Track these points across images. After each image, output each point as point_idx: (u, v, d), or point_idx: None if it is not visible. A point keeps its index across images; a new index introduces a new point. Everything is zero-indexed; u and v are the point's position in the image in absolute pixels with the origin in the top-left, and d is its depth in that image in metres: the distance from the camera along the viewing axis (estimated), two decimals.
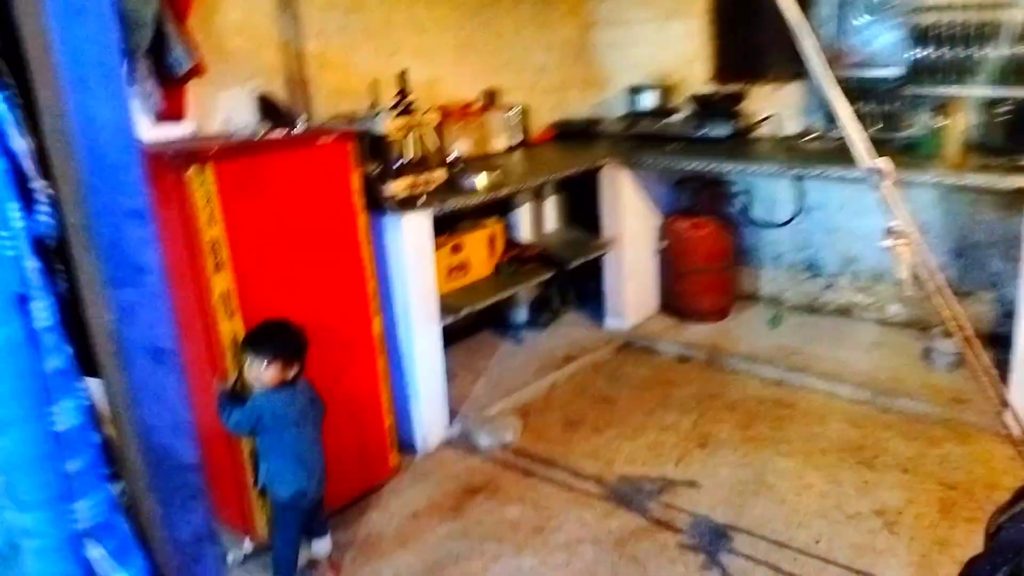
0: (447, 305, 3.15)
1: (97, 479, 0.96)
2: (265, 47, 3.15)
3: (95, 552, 0.96)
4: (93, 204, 0.78)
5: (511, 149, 4.15)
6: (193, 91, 2.84)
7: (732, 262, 4.14)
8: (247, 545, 2.55)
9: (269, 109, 2.99)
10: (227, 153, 2.34)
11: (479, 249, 3.49)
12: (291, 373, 2.25)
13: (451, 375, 3.61)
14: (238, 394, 2.28)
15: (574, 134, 4.37)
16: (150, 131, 2.76)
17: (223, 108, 2.99)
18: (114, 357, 0.87)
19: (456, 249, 3.37)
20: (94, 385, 0.97)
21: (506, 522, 2.69)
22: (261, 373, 2.20)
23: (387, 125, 2.83)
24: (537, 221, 4.11)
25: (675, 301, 4.17)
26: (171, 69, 2.68)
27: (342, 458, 2.67)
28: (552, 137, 4.40)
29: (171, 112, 2.77)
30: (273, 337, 2.25)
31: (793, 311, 4.19)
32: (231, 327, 2.36)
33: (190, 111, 2.84)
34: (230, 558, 2.54)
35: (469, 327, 4.03)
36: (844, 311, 4.09)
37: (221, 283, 2.33)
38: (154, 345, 0.89)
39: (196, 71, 2.74)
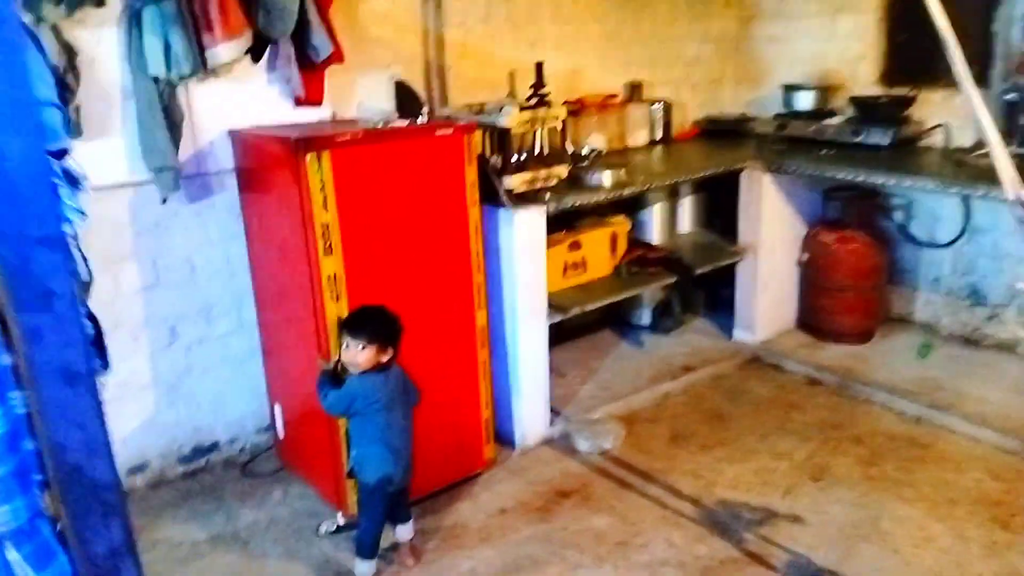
0: (558, 303, 3.10)
1: (20, 486, 1.00)
2: (406, 35, 3.21)
3: (12, 555, 1.00)
4: (2, 231, 0.80)
5: (651, 145, 4.01)
6: (333, 77, 2.94)
7: (881, 281, 3.80)
8: (339, 518, 2.64)
9: (404, 96, 3.05)
10: (345, 141, 2.40)
11: (599, 248, 3.40)
12: (385, 358, 2.30)
13: (560, 373, 3.58)
14: (337, 376, 2.36)
15: (720, 132, 4.16)
16: (288, 115, 2.90)
17: (360, 93, 3.08)
18: (26, 377, 0.90)
19: (575, 246, 3.31)
20: None
21: (592, 531, 2.63)
22: (356, 355, 2.26)
23: (510, 119, 2.80)
24: (670, 222, 3.96)
25: (812, 318, 3.89)
26: (312, 55, 2.79)
27: (436, 446, 2.71)
28: (696, 135, 4.22)
29: (310, 97, 2.89)
30: (370, 321, 2.30)
31: (946, 341, 3.79)
32: (336, 309, 2.44)
33: (328, 96, 2.95)
34: (322, 528, 2.65)
35: (589, 324, 3.97)
36: (1006, 347, 3.65)
37: (330, 266, 2.41)
38: (66, 367, 0.92)
39: (336, 58, 2.83)
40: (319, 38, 2.76)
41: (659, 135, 4.02)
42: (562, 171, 3.00)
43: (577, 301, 3.19)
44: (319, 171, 2.33)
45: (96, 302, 2.69)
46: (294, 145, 2.33)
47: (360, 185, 2.42)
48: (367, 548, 2.40)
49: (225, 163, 2.84)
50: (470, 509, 2.76)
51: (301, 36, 2.75)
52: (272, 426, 3.08)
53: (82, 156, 2.57)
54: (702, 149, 4.01)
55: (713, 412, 3.37)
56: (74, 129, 2.45)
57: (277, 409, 2.99)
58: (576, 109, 3.56)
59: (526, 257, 2.89)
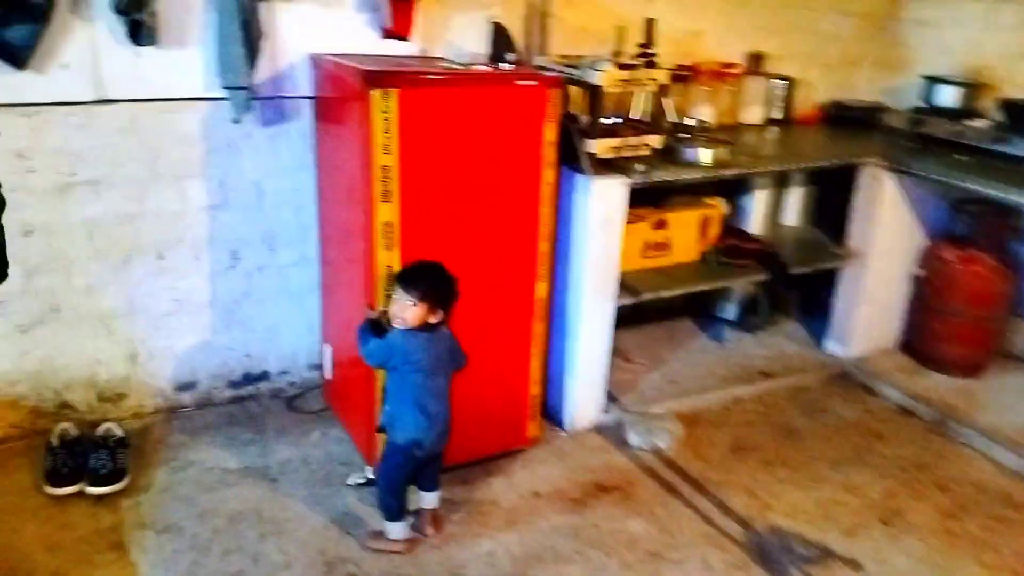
0: (630, 284, 2.87)
1: None
2: None
3: None
4: None
5: (766, 125, 3.67)
6: (426, 11, 2.77)
7: (1002, 311, 3.37)
8: (368, 472, 2.55)
9: (499, 40, 2.84)
10: (417, 80, 2.23)
11: (687, 230, 3.13)
12: (434, 319, 2.15)
13: (626, 357, 3.37)
14: (382, 327, 2.24)
15: (847, 120, 3.76)
16: (373, 46, 2.75)
17: (453, 32, 2.90)
18: None
19: (659, 225, 3.05)
20: None
21: (625, 535, 2.44)
22: (405, 310, 2.12)
23: (604, 77, 2.56)
24: (773, 212, 3.62)
25: (917, 340, 3.50)
26: None
27: (478, 416, 2.57)
28: (819, 119, 3.83)
29: (397, 29, 2.72)
30: (425, 278, 2.16)
31: None
32: (387, 258, 2.30)
33: (418, 31, 2.78)
34: (351, 479, 2.57)
35: (669, 310, 3.71)
36: None
37: (385, 213, 2.26)
38: None
39: None
40: None
41: (777, 115, 3.67)
42: (655, 140, 2.73)
43: (652, 286, 2.95)
44: (385, 109, 2.17)
45: (162, 214, 2.69)
46: (363, 78, 2.18)
47: (428, 130, 2.25)
48: (391, 511, 2.29)
49: (303, 88, 2.72)
50: (503, 487, 2.62)
51: None
52: (322, 364, 3.02)
53: (157, 65, 2.57)
54: (823, 136, 3.64)
55: (785, 427, 3.08)
56: (149, 35, 2.38)
57: (327, 350, 2.91)
58: (686, 75, 3.26)
59: (600, 231, 2.67)
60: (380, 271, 2.31)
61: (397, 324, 2.15)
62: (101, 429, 2.61)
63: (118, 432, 2.61)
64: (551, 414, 2.95)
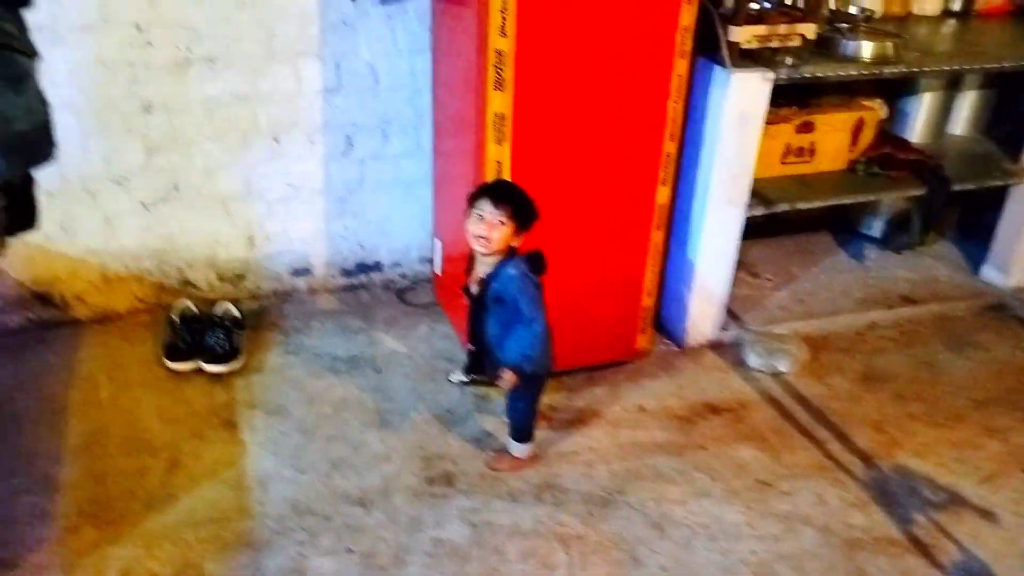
0: (765, 193, 2.62)
1: None
2: None
3: None
4: None
5: (942, 17, 3.19)
6: None
7: None
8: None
9: None
10: None
11: (836, 135, 2.80)
12: (516, 243, 1.99)
13: (752, 272, 3.14)
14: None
15: None
16: None
17: None
18: None
19: (804, 128, 2.74)
20: None
21: (732, 460, 2.31)
22: (493, 229, 1.93)
23: None
24: (939, 119, 3.19)
25: None
26: None
27: (584, 322, 2.45)
28: (1008, 12, 3.30)
29: None
30: (516, 194, 1.98)
31: None
32: (497, 153, 2.16)
33: None
34: (454, 376, 2.55)
35: (805, 222, 3.41)
36: None
37: (497, 103, 2.10)
38: None
39: None
40: None
41: (957, 5, 3.18)
42: (809, 30, 2.40)
43: (790, 195, 2.68)
44: None
45: (278, 95, 2.64)
46: None
47: (549, 11, 2.04)
48: (528, 433, 2.22)
49: None
50: (607, 397, 2.52)
51: None
52: (432, 259, 2.97)
53: None
54: (1010, 32, 3.13)
55: (924, 358, 2.81)
56: None
57: (437, 244, 2.85)
58: None
59: (736, 131, 2.41)
60: (489, 166, 2.18)
61: (479, 246, 1.97)
62: (219, 308, 2.68)
63: (235, 312, 2.67)
64: (664, 327, 2.80)
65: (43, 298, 2.64)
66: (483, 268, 2.03)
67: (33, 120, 1.23)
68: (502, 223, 1.93)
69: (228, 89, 2.54)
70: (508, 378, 2.07)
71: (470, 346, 2.19)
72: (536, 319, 2.00)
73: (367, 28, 2.60)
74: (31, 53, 1.26)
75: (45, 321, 2.67)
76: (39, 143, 1.27)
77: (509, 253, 2.00)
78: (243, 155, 2.65)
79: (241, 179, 2.69)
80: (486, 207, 1.94)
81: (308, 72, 2.61)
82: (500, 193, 1.96)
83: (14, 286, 2.59)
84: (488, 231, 1.94)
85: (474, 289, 2.07)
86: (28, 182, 1.41)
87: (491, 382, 2.46)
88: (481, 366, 2.20)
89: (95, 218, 2.58)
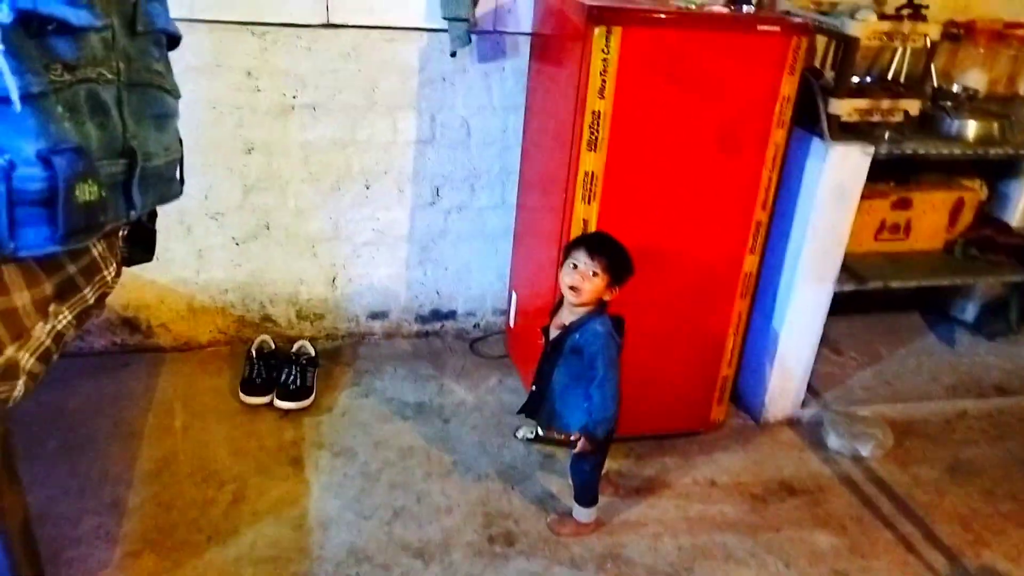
0: (857, 269, 2.54)
1: None
2: None
3: None
4: None
5: None
6: None
7: None
8: (539, 428, 2.47)
9: None
10: (644, 18, 2.03)
11: (933, 214, 2.72)
12: (609, 297, 1.96)
13: (836, 348, 3.03)
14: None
15: None
16: None
17: None
18: None
19: (901, 204, 2.66)
20: None
21: (808, 545, 2.20)
22: (586, 279, 1.91)
23: (862, 27, 2.21)
24: None
25: None
26: None
27: (660, 390, 2.40)
28: None
29: None
30: (613, 247, 1.95)
31: None
32: (585, 212, 2.16)
33: None
34: (520, 432, 2.47)
35: (895, 301, 3.29)
36: None
37: (589, 163, 2.11)
38: None
39: None
40: None
41: None
42: (912, 106, 2.35)
43: (883, 273, 2.59)
44: (605, 49, 1.99)
45: (373, 144, 2.71)
46: (585, 13, 2.01)
47: (649, 75, 2.05)
48: (593, 498, 2.17)
49: (524, 25, 2.60)
50: (677, 467, 2.45)
51: None
52: (507, 311, 2.96)
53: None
54: None
55: (1018, 453, 2.64)
56: None
57: (513, 297, 2.85)
58: (958, 33, 2.79)
59: (831, 204, 2.35)
60: (575, 225, 2.17)
61: (570, 295, 1.95)
62: (296, 346, 2.72)
63: (311, 350, 2.71)
64: (741, 400, 2.72)
65: (130, 323, 2.73)
66: (569, 316, 2.00)
67: (169, 158, 1.27)
68: (595, 275, 1.91)
69: (327, 135, 2.62)
70: (581, 445, 2.03)
71: (532, 387, 2.15)
72: (610, 380, 1.96)
73: (464, 84, 2.66)
74: (176, 94, 1.30)
75: (129, 346, 2.75)
76: (171, 180, 1.31)
77: (599, 308, 1.97)
78: (334, 199, 2.72)
79: (330, 222, 2.75)
80: (581, 257, 1.92)
81: (404, 124, 2.68)
82: (597, 245, 1.94)
83: (104, 310, 2.69)
84: (581, 281, 1.92)
85: (554, 333, 2.05)
86: (152, 216, 1.46)
87: (553, 440, 2.42)
88: (537, 409, 2.15)
89: (188, 250, 2.67)
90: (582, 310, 1.97)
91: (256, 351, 2.65)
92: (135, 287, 2.67)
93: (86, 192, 1.00)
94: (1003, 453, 2.64)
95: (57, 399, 2.47)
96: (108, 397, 2.52)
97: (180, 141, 1.34)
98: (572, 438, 2.04)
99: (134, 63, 1.15)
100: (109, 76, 1.08)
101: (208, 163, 2.56)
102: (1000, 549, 2.24)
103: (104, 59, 1.07)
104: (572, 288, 1.94)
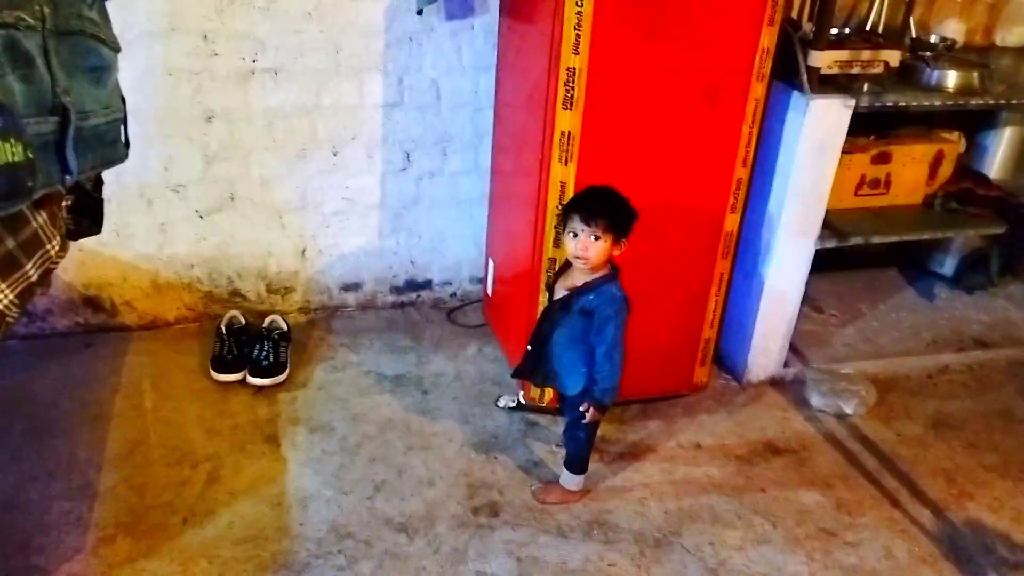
0: (837, 224, 2.50)
1: None
2: None
3: None
4: None
5: None
6: None
7: None
8: (520, 396, 2.43)
9: None
10: None
11: (913, 167, 2.68)
12: (618, 252, 1.89)
13: (817, 307, 3.01)
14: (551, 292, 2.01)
15: None
16: None
17: None
18: None
19: (881, 159, 2.62)
20: None
21: (794, 505, 2.18)
22: (589, 247, 1.83)
23: None
24: (1020, 155, 3.04)
25: None
26: None
27: (641, 353, 2.34)
28: None
29: None
30: (610, 204, 1.85)
31: None
32: (562, 173, 2.09)
33: None
34: (501, 401, 2.47)
35: (873, 256, 3.27)
36: None
37: (565, 122, 2.03)
38: None
39: None
40: None
41: None
42: (893, 56, 2.30)
43: (864, 229, 2.56)
44: (579, 2, 1.91)
45: (339, 108, 2.61)
46: None
47: (624, 30, 1.97)
48: (584, 464, 2.13)
49: None
50: (662, 432, 2.42)
51: None
52: (484, 279, 2.90)
53: None
54: None
55: (999, 406, 2.65)
56: None
57: (490, 264, 2.78)
58: None
59: (812, 159, 2.31)
60: (553, 187, 2.11)
61: (580, 264, 1.89)
62: (267, 321, 2.64)
63: (283, 325, 2.63)
64: (724, 361, 2.69)
65: (93, 302, 2.63)
66: (582, 277, 1.93)
67: (109, 117, 1.17)
68: (597, 239, 1.83)
69: (290, 101, 2.52)
70: (591, 415, 1.98)
71: (528, 347, 2.09)
72: (619, 347, 1.92)
73: (433, 43, 2.56)
74: (115, 46, 1.20)
75: (93, 326, 2.65)
76: (114, 143, 1.21)
77: (612, 271, 1.92)
78: (300, 167, 2.62)
79: (297, 191, 2.65)
80: (579, 225, 1.84)
81: (371, 87, 2.58)
82: (592, 207, 1.84)
83: (65, 289, 2.58)
84: (585, 250, 1.84)
85: (560, 293, 1.98)
86: (97, 184, 1.36)
87: (535, 407, 2.38)
88: (532, 370, 2.11)
89: (150, 225, 2.57)
90: (596, 272, 1.91)
91: (226, 327, 2.57)
92: (96, 265, 2.57)
93: (7, 152, 0.91)
94: (985, 406, 2.65)
95: (21, 383, 2.38)
96: (74, 379, 2.43)
97: (123, 99, 1.25)
98: (566, 406, 2.00)
99: (62, 9, 1.04)
100: (31, 22, 0.97)
101: (167, 133, 2.45)
102: (984, 501, 2.25)
103: (24, 1, 0.97)
104: (579, 258, 1.87)
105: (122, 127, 1.24)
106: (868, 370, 2.70)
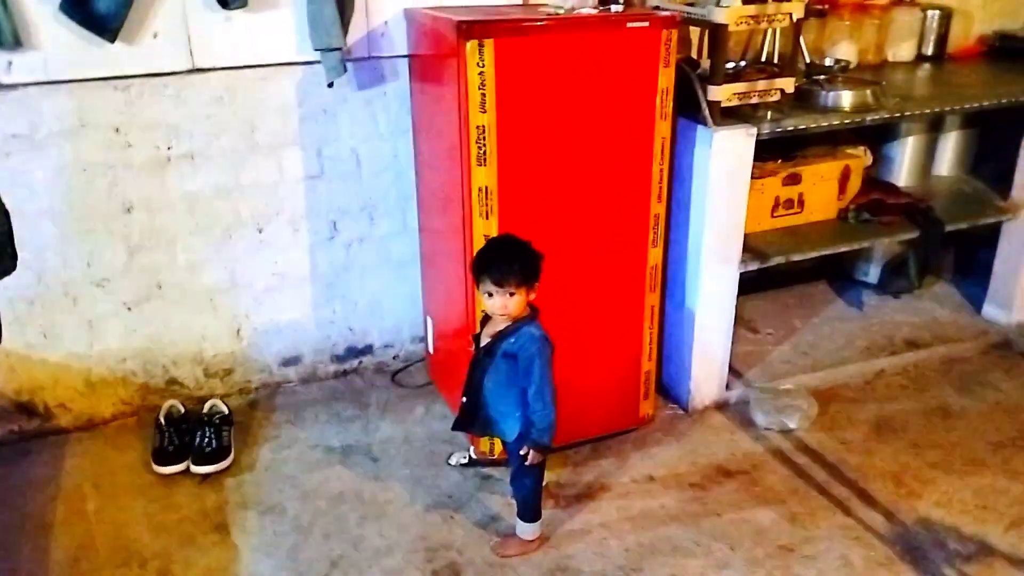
0: (758, 247, 2.58)
1: None
2: None
3: None
4: None
5: (917, 62, 3.23)
6: None
7: None
8: (472, 452, 2.43)
9: None
10: (514, 28, 2.02)
11: (823, 184, 2.79)
12: (533, 296, 1.93)
13: (752, 327, 3.09)
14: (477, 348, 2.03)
15: (1014, 53, 3.26)
16: None
17: None
18: None
19: (792, 180, 2.72)
20: None
21: (751, 525, 2.21)
22: (507, 304, 1.88)
23: (728, 13, 2.26)
24: (924, 162, 3.20)
25: None
26: None
27: (586, 394, 2.39)
28: (980, 54, 3.34)
29: None
30: (515, 259, 1.89)
31: None
32: (485, 227, 2.13)
33: None
34: (453, 459, 2.45)
35: (800, 273, 3.37)
36: None
37: (481, 178, 2.08)
38: None
39: None
40: None
41: (930, 50, 3.23)
42: (787, 84, 2.42)
43: (783, 248, 2.64)
44: (480, 63, 1.97)
45: (260, 186, 2.62)
46: (455, 29, 1.99)
47: (527, 84, 2.04)
48: (536, 512, 2.12)
49: (400, 47, 2.56)
50: (614, 468, 2.43)
51: None
52: (424, 337, 2.90)
53: (248, 29, 2.46)
54: (984, 73, 3.16)
55: (936, 404, 2.73)
56: None
57: (429, 322, 2.79)
58: (823, 9, 2.88)
59: (723, 188, 2.39)
60: (476, 241, 2.14)
61: (501, 319, 1.92)
62: (207, 406, 2.60)
63: (223, 408, 2.59)
64: (667, 391, 2.73)
65: (26, 408, 2.55)
66: (502, 323, 1.96)
67: None
68: (512, 294, 1.88)
69: (210, 183, 2.52)
70: (532, 457, 1.99)
71: (463, 399, 2.10)
72: (548, 385, 1.94)
73: (347, 113, 2.60)
74: None
75: (28, 432, 2.57)
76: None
77: (531, 310, 1.95)
78: (227, 248, 2.61)
79: (226, 272, 2.64)
80: (491, 286, 1.88)
81: (290, 162, 2.60)
82: (499, 269, 1.88)
83: None
84: (503, 306, 1.90)
85: (485, 340, 2.00)
86: None
87: (487, 461, 2.38)
88: (471, 421, 2.11)
89: (77, 323, 2.52)
90: (516, 318, 1.94)
91: (165, 418, 2.51)
92: (25, 369, 2.51)
93: None
94: (923, 405, 2.73)
95: None
96: (12, 489, 2.35)
97: (5, 212, 1.25)
98: (508, 453, 2.00)
99: None
100: None
101: (85, 228, 2.43)
102: (932, 498, 2.30)
103: None
104: (498, 313, 1.91)
105: (7, 240, 1.23)
106: (808, 383, 2.76)
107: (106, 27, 2.22)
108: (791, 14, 2.35)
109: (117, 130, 2.38)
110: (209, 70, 2.41)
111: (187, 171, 2.49)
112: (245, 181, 2.56)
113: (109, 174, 2.41)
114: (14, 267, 1.24)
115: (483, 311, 2.00)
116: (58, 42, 2.23)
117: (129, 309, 2.56)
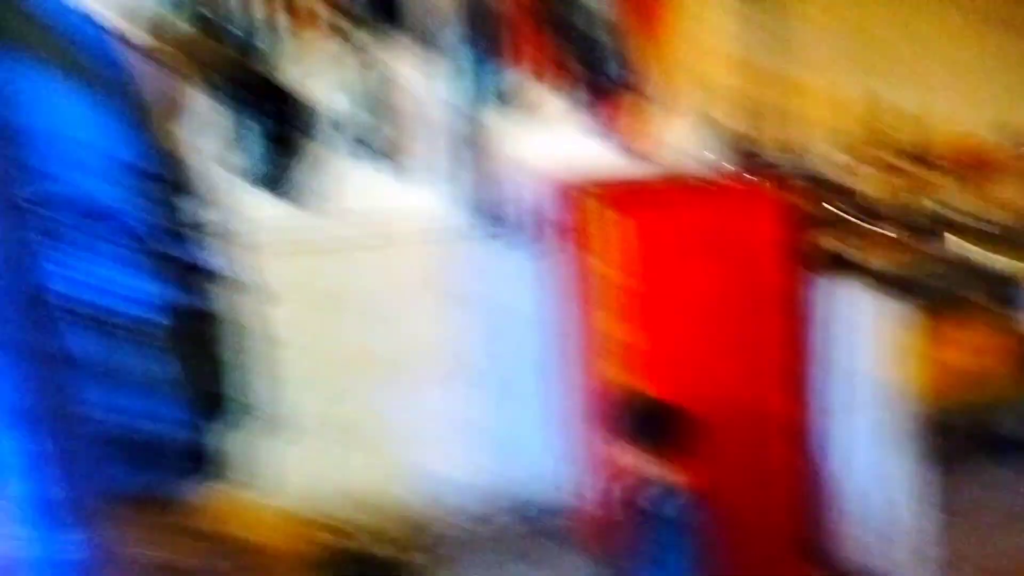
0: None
1: None
2: (723, 69, 2.75)
3: None
4: None
5: None
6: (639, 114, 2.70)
7: None
8: None
9: (716, 139, 2.67)
10: (638, 194, 2.21)
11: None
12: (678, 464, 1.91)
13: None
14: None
15: None
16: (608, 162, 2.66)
17: (667, 134, 2.74)
18: None
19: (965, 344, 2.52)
20: None
21: None
22: (646, 471, 1.90)
23: (871, 180, 2.27)
24: None
25: None
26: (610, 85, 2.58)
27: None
28: None
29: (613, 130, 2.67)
30: (655, 430, 1.90)
31: None
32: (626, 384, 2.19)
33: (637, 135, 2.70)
34: None
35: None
36: None
37: (614, 332, 2.19)
38: None
39: (635, 89, 2.60)
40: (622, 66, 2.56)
41: None
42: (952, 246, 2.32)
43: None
44: (605, 227, 2.15)
45: (433, 343, 2.83)
46: (580, 197, 2.19)
47: (662, 250, 2.18)
48: None
49: (542, 215, 2.72)
50: None
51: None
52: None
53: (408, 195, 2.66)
54: None
55: None
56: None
57: (581, 477, 2.80)
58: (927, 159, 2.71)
59: (872, 349, 2.26)
60: (618, 399, 2.19)
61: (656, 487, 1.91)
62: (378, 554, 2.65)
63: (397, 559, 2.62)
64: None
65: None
66: (649, 490, 1.95)
67: None
68: (650, 463, 1.89)
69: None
70: None
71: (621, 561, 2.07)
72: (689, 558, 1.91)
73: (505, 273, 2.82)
74: None
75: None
76: None
77: (672, 483, 1.91)
78: (399, 397, 2.81)
79: (400, 420, 2.82)
80: (632, 453, 1.91)
81: (457, 319, 2.82)
82: (641, 435, 1.90)
83: None
84: (643, 473, 1.90)
85: (640, 504, 1.98)
86: None
87: None
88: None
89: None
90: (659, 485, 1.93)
91: (335, 561, 2.57)
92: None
93: None
94: None
95: None
96: None
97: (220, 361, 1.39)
98: None
99: None
100: None
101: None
102: None
103: None
104: (641, 479, 1.92)
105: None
106: None
107: None
108: (935, 183, 2.30)
109: None
110: None
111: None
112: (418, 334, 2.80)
113: None
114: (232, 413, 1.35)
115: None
116: None
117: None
